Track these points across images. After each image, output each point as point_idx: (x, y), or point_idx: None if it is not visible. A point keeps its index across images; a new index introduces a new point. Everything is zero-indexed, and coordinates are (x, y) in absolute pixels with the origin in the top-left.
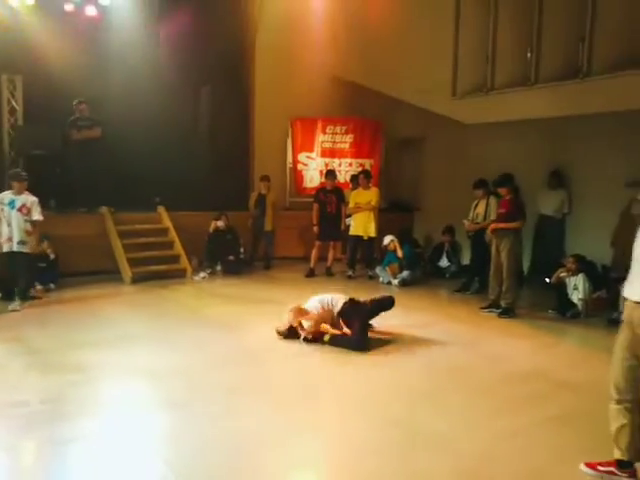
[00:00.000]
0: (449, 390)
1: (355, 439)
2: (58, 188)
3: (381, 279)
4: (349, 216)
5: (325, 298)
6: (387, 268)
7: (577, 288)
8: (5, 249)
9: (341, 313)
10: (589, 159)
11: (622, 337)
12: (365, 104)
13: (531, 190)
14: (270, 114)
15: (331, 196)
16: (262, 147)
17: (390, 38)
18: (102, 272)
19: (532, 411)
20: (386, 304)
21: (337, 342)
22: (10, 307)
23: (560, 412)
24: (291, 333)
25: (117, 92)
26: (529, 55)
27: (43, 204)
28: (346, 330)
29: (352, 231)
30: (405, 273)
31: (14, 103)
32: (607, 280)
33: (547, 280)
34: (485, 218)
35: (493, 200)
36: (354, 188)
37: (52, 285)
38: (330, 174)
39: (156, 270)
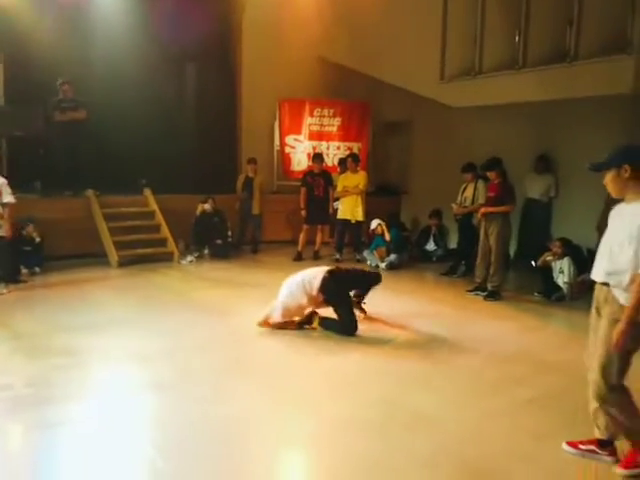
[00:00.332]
0: (434, 371)
1: (341, 420)
2: (42, 170)
3: (369, 263)
4: (337, 200)
5: (299, 282)
6: (375, 252)
7: (563, 271)
8: None
9: (322, 289)
10: (576, 143)
11: (592, 319)
12: (353, 87)
13: (518, 174)
14: (258, 95)
15: (319, 179)
16: (249, 129)
17: (378, 21)
18: (88, 255)
19: (516, 392)
20: (372, 279)
21: (326, 326)
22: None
23: (543, 393)
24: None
25: (101, 72)
26: (517, 39)
27: (27, 186)
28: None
29: (340, 215)
30: (392, 257)
31: None
32: (592, 263)
33: (533, 263)
34: (473, 202)
35: (481, 184)
36: (342, 172)
37: (37, 269)
38: (317, 157)
39: (143, 253)
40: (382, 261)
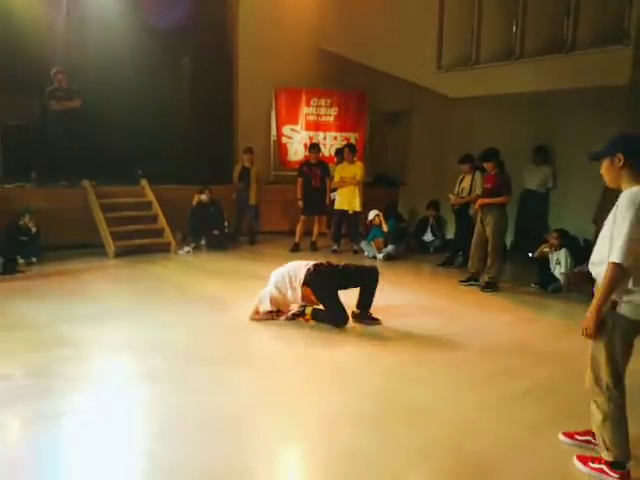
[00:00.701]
0: (428, 364)
1: (335, 412)
2: (38, 160)
3: (366, 253)
4: (334, 190)
5: (284, 274)
6: (372, 242)
7: (559, 263)
8: None
9: (306, 282)
10: (574, 134)
11: None
12: (350, 76)
13: (516, 165)
14: (254, 85)
15: (315, 170)
16: (246, 119)
17: (375, 10)
18: (85, 246)
19: (512, 384)
20: (367, 274)
21: (319, 317)
22: None
23: (539, 385)
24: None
25: (96, 61)
26: (514, 29)
27: (23, 177)
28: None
29: (337, 205)
30: (390, 247)
31: None
32: (589, 255)
33: (530, 255)
34: (470, 193)
35: (479, 175)
36: (339, 162)
37: (34, 259)
38: (314, 147)
39: (140, 244)
40: (379, 252)
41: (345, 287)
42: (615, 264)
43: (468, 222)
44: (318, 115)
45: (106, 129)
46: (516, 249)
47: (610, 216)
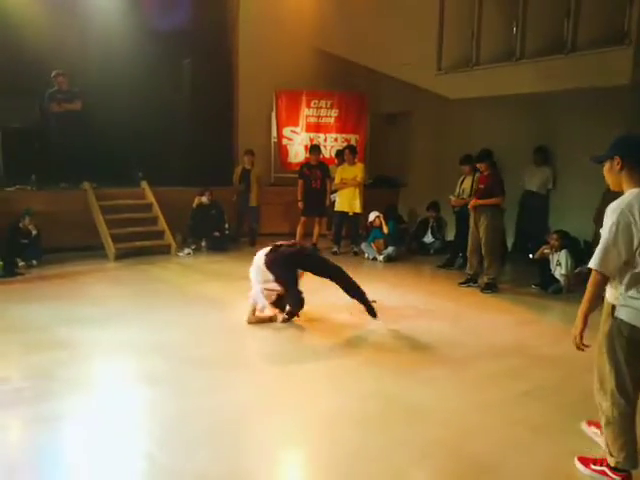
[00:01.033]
0: (428, 365)
1: (336, 412)
2: (38, 163)
3: (366, 255)
4: (334, 192)
5: (258, 266)
6: (372, 244)
7: (560, 264)
8: None
9: (267, 265)
10: (574, 135)
11: None
12: (351, 78)
13: (517, 166)
14: (255, 86)
15: (316, 171)
16: (246, 121)
17: (375, 12)
18: (85, 248)
19: (512, 385)
20: (331, 269)
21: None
22: None
23: (539, 386)
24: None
25: (96, 63)
26: (514, 30)
27: (23, 179)
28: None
29: (337, 207)
30: (390, 249)
31: None
32: (590, 256)
33: (530, 256)
34: (471, 194)
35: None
36: (339, 163)
37: (35, 261)
38: (314, 149)
39: (140, 246)
40: (380, 253)
41: (303, 268)
42: (594, 270)
43: (469, 224)
44: (319, 117)
45: (106, 131)
46: (516, 250)
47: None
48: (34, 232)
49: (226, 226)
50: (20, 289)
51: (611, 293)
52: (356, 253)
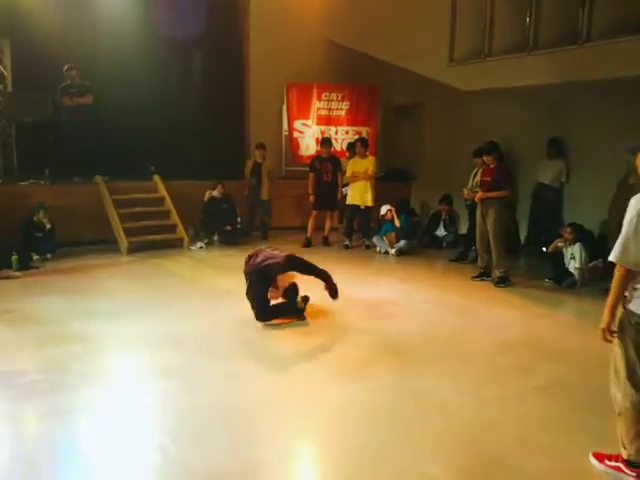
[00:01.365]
0: (440, 359)
1: (347, 406)
2: (51, 157)
3: (378, 249)
4: (346, 185)
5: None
6: (384, 237)
7: (574, 257)
8: None
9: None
10: (589, 127)
11: None
12: (362, 70)
13: (531, 158)
14: (265, 80)
15: (327, 164)
16: (257, 114)
17: (387, 2)
18: (98, 242)
19: (523, 379)
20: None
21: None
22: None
23: (552, 381)
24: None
25: (108, 58)
26: (528, 20)
27: (37, 173)
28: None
29: (349, 200)
30: (402, 242)
31: (2, 69)
32: (604, 249)
33: (544, 249)
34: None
35: None
36: (351, 157)
37: (49, 255)
38: (325, 142)
39: (152, 240)
40: (391, 247)
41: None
42: (616, 263)
43: None
44: (330, 109)
45: (118, 125)
46: (530, 244)
47: None
48: (48, 226)
49: (238, 220)
50: (35, 282)
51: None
52: (368, 246)
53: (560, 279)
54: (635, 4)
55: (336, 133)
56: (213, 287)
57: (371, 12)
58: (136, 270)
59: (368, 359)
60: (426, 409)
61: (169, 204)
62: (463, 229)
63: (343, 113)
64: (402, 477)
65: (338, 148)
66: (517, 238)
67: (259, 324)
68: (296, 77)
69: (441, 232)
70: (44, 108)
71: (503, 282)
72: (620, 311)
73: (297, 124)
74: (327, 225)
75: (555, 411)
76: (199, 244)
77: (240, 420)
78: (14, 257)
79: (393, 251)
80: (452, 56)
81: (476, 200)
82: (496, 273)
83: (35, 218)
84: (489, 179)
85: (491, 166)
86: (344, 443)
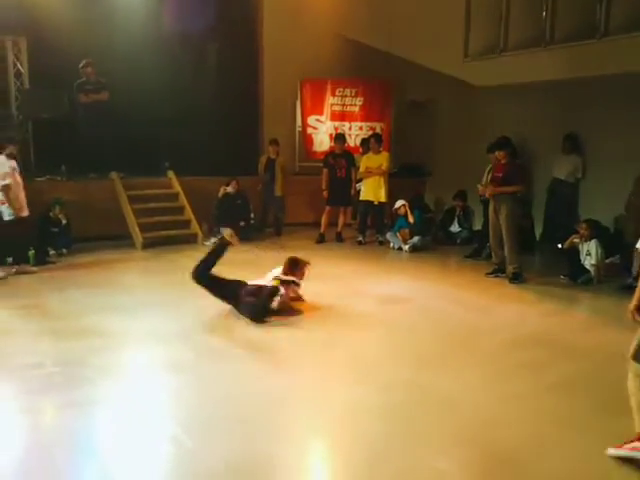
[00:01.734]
0: (453, 355)
1: (359, 401)
2: (67, 153)
3: (392, 245)
4: (359, 181)
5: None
6: (398, 233)
7: (590, 254)
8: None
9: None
10: (606, 123)
11: None
12: (375, 65)
13: (546, 154)
14: (279, 75)
15: (341, 160)
16: (271, 110)
17: None
18: (114, 237)
19: (538, 376)
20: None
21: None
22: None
23: (566, 378)
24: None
25: (122, 53)
26: (544, 14)
27: (54, 169)
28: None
29: (362, 196)
30: (416, 239)
31: (19, 66)
32: (621, 246)
33: (559, 246)
34: None
35: None
36: (364, 152)
37: (65, 250)
38: (339, 138)
39: (167, 235)
40: (405, 243)
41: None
42: None
43: None
44: (343, 105)
45: (133, 121)
46: (545, 240)
47: None
48: (64, 221)
49: (251, 216)
50: (51, 277)
51: None
52: (381, 242)
53: (576, 276)
54: None
55: (350, 129)
56: None
57: (385, 7)
58: (151, 265)
59: (380, 355)
60: (438, 406)
61: (183, 200)
62: (478, 225)
63: (357, 109)
64: (413, 472)
65: (352, 144)
66: (532, 235)
67: (274, 319)
68: (310, 72)
69: (455, 228)
70: (60, 104)
71: (517, 278)
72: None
73: (311, 120)
74: (340, 221)
75: (570, 409)
76: (213, 239)
77: (252, 414)
78: (31, 252)
79: (407, 247)
80: (467, 51)
81: (487, 196)
82: (510, 269)
83: (51, 213)
84: (500, 175)
85: (502, 161)
86: (355, 438)
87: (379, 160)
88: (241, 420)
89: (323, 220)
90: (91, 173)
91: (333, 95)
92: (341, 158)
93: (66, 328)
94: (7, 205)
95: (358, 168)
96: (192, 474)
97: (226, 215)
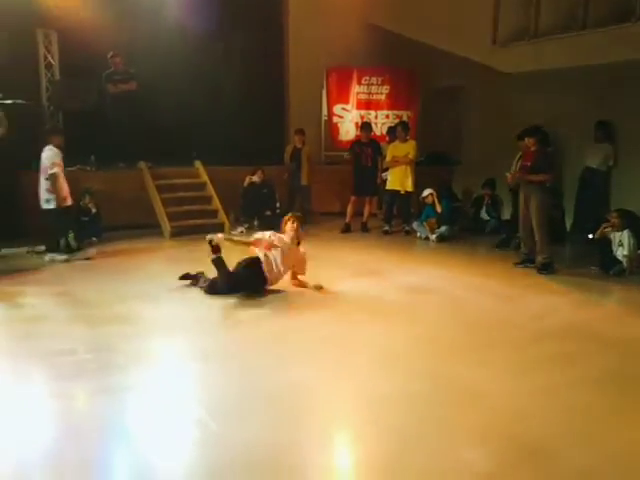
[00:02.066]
0: (483, 346)
1: (386, 391)
2: (97, 143)
3: (418, 234)
4: (386, 170)
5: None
6: (425, 223)
7: (622, 244)
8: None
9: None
10: (638, 109)
11: None
12: (402, 53)
13: (578, 142)
14: (305, 64)
15: (367, 149)
16: (297, 99)
17: None
18: (142, 226)
19: (568, 369)
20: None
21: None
22: (47, 257)
23: (597, 371)
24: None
25: (150, 44)
26: None
27: (84, 159)
28: None
29: (389, 185)
30: (443, 228)
31: (50, 58)
32: None
33: (590, 236)
34: None
35: None
36: (391, 141)
37: (95, 239)
38: (365, 127)
39: (194, 224)
40: (432, 233)
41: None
42: None
43: None
44: (369, 93)
45: (161, 111)
46: (576, 230)
47: None
48: (94, 210)
49: (277, 205)
50: (82, 265)
51: None
52: (408, 232)
53: (607, 267)
54: None
55: (376, 117)
56: None
57: None
58: (179, 254)
59: (406, 345)
60: (465, 396)
61: (210, 189)
62: (506, 214)
63: (383, 97)
64: (438, 461)
65: (378, 132)
66: (562, 225)
67: (298, 308)
68: (335, 60)
69: (484, 217)
70: (90, 95)
71: (546, 269)
72: None
73: (337, 109)
74: (366, 211)
75: (600, 403)
76: (240, 229)
77: (276, 402)
78: (70, 235)
79: (434, 237)
80: (495, 37)
81: (509, 181)
82: (539, 259)
83: (81, 203)
84: (529, 163)
85: (532, 149)
86: (382, 428)
87: (406, 149)
88: (265, 407)
89: (348, 210)
90: (120, 163)
91: (359, 84)
92: (367, 147)
93: (97, 315)
94: (54, 195)
95: (384, 157)
96: (216, 455)
97: (252, 204)
